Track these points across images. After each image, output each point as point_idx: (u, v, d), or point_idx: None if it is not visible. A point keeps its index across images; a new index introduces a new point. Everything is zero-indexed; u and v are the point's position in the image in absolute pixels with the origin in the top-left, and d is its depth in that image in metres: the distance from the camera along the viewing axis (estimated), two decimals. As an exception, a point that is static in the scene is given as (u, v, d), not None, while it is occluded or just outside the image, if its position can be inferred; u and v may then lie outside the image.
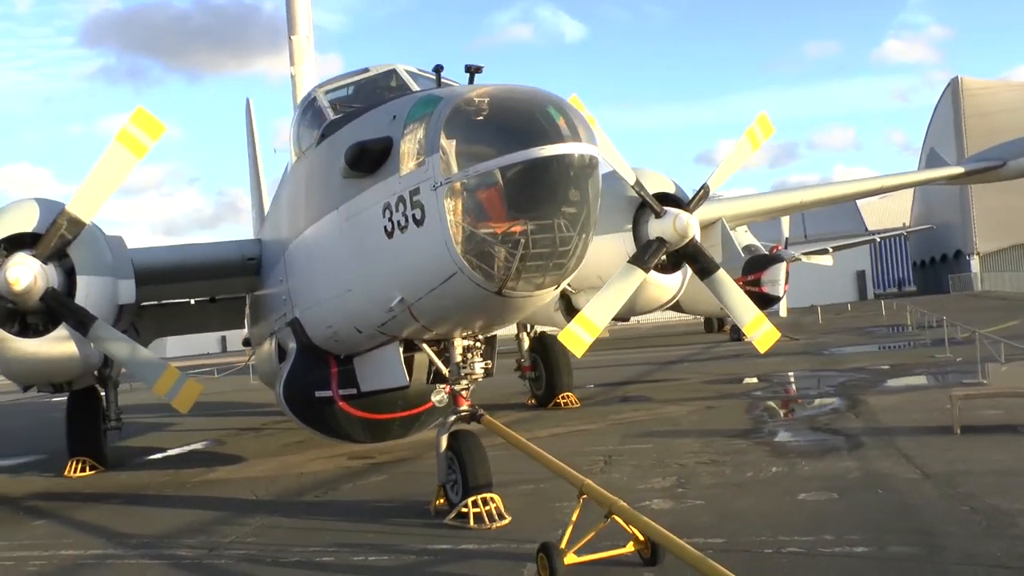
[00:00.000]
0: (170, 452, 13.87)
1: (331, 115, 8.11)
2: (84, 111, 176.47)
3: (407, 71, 8.41)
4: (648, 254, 10.80)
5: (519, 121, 5.80)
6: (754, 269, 13.38)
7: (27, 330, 8.83)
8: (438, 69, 6.93)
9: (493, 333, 7.94)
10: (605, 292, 10.68)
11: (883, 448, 8.68)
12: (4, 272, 8.11)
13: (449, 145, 5.83)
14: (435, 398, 7.39)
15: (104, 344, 8.75)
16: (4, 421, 16.70)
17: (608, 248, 11.31)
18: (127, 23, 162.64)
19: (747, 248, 28.40)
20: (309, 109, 8.61)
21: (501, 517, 6.95)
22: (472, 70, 6.56)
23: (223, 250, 11.68)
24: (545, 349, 15.36)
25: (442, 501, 7.45)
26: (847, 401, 12.48)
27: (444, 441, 7.35)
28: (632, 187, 10.79)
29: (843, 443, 9.18)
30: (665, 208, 10.92)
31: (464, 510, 7.00)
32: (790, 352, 22.46)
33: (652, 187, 11.21)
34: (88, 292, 8.90)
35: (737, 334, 29.44)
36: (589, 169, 5.94)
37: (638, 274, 10.69)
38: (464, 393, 7.46)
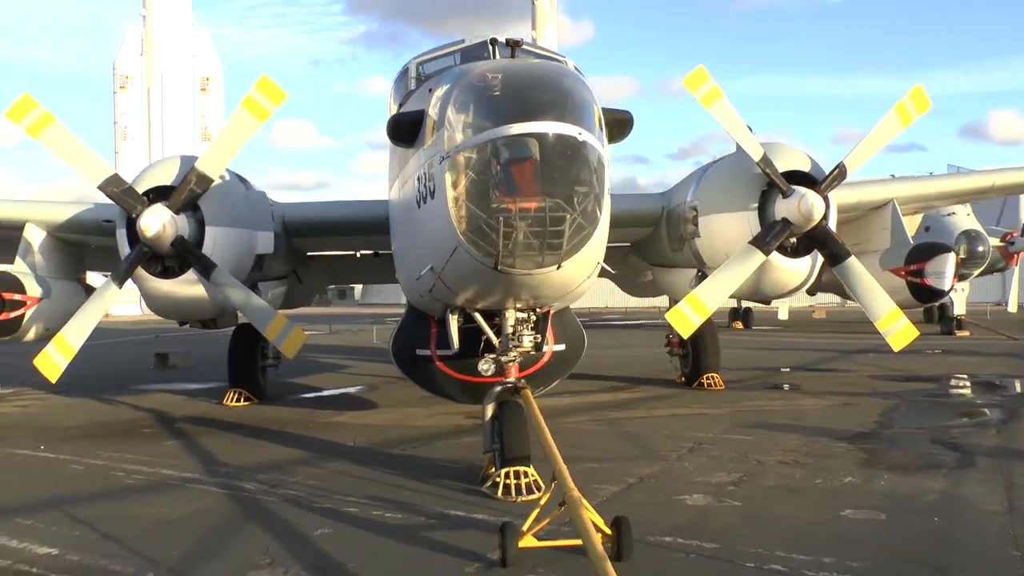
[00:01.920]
0: (324, 393, 15.02)
1: (413, 86, 8.38)
2: (347, 73, 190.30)
3: (504, 41, 8.51)
4: (770, 236, 10.13)
5: (509, 97, 5.76)
6: (920, 258, 12.02)
7: (167, 272, 9.92)
8: (513, 44, 6.91)
9: (545, 308, 7.86)
10: (721, 273, 10.20)
11: (991, 473, 7.68)
12: (139, 220, 9.16)
13: (456, 119, 5.90)
14: (482, 367, 7.50)
15: (222, 289, 9.64)
16: (214, 348, 18.91)
17: (733, 227, 10.76)
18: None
19: (967, 233, 25.54)
20: (401, 80, 8.97)
21: (530, 491, 6.97)
22: (513, 44, 6.57)
23: (367, 208, 12.37)
24: (694, 327, 14.94)
25: (492, 469, 7.60)
26: (1005, 415, 11.08)
27: (490, 410, 7.44)
28: (758, 164, 10.13)
29: (952, 461, 8.22)
30: (793, 187, 10.16)
31: (498, 480, 7.11)
32: (1002, 352, 20.17)
33: (784, 164, 10.44)
34: (215, 241, 9.80)
35: (948, 326, 26.74)
36: (574, 150, 5.72)
37: (757, 256, 10.09)
38: (511, 365, 7.51)
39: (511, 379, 7.52)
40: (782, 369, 17.52)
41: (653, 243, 13.64)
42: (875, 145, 10.38)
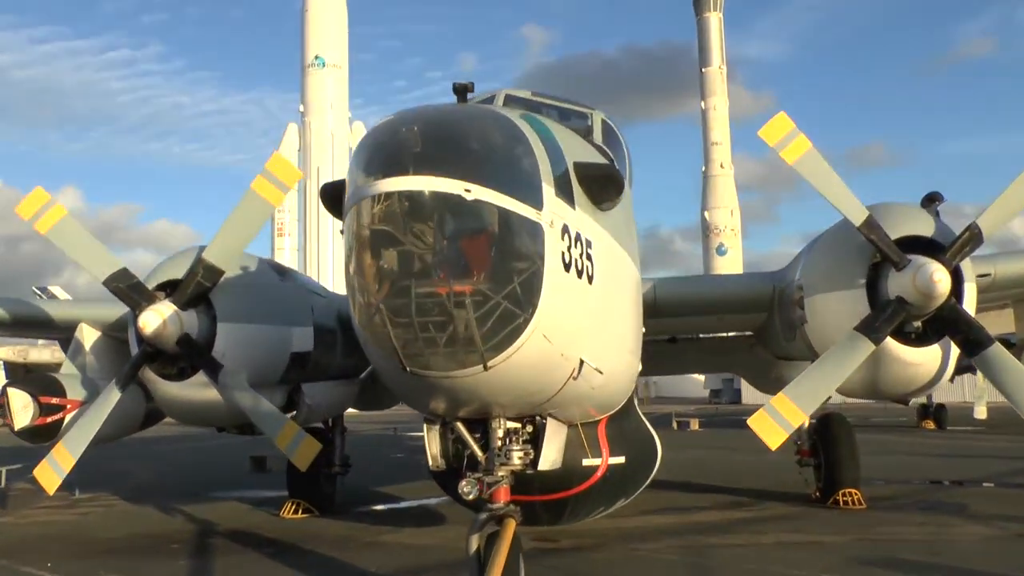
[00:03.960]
0: (400, 504, 14.25)
1: None
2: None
3: (508, 95, 7.85)
4: (881, 319, 8.49)
5: (382, 149, 4.91)
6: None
7: (182, 375, 9.60)
8: (460, 90, 6.04)
9: (540, 418, 6.75)
10: (819, 368, 8.58)
11: None
12: (138, 317, 8.91)
13: (348, 182, 5.13)
14: (463, 489, 6.48)
15: (228, 392, 9.17)
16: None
17: (839, 309, 9.17)
18: (560, 72, 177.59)
19: None
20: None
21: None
22: (459, 89, 5.75)
23: None
24: (827, 432, 13.13)
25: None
26: None
27: (474, 542, 6.40)
28: (859, 229, 8.59)
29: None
30: (909, 257, 8.53)
31: (479, 631, 6.03)
32: None
33: (897, 228, 8.84)
34: (228, 339, 9.38)
35: None
36: (462, 212, 4.73)
37: (865, 345, 8.44)
38: (500, 487, 6.46)
39: (499, 504, 6.47)
40: (952, 482, 15.03)
41: (769, 331, 12.21)
42: (1018, 202, 8.62)
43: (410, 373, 5.16)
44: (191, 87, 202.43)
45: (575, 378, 5.92)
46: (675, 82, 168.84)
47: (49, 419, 10.48)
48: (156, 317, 8.85)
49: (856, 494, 12.48)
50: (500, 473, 6.45)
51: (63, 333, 12.18)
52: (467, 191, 4.74)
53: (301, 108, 57.61)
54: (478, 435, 6.72)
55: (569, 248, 5.35)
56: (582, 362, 5.85)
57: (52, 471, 9.16)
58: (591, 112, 8.45)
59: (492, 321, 4.89)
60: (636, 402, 9.33)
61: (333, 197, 5.67)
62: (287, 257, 53.24)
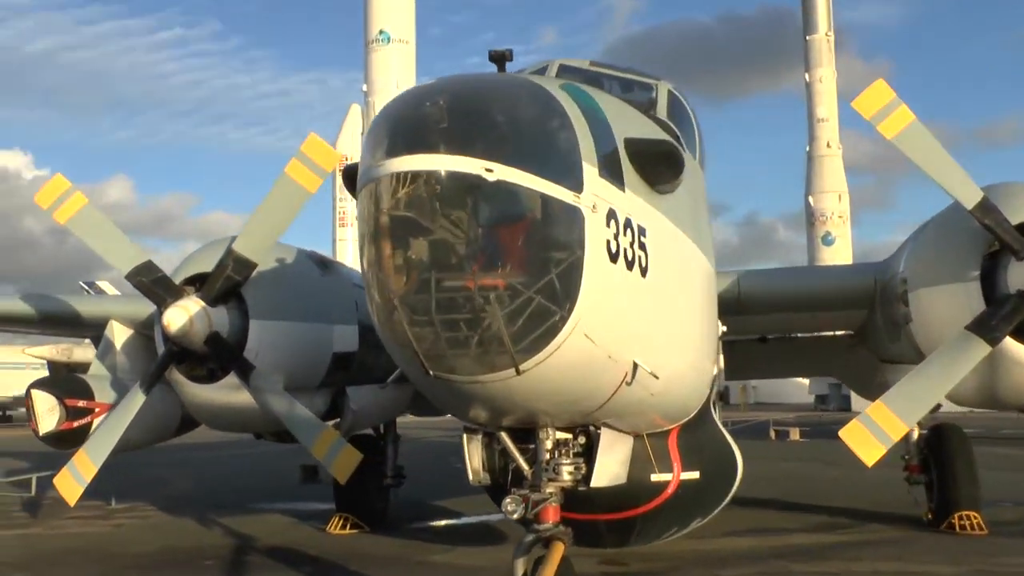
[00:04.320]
0: (460, 520, 14.17)
1: None
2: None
3: (563, 65, 7.80)
4: (998, 317, 8.01)
5: (397, 124, 4.81)
6: None
7: (213, 376, 9.66)
8: (496, 57, 5.88)
9: (595, 428, 6.56)
10: (922, 372, 8.17)
11: None
12: (163, 314, 8.97)
13: (362, 158, 5.04)
14: (508, 507, 6.31)
15: (261, 395, 9.18)
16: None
17: (947, 306, 8.75)
18: (647, 44, 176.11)
19: None
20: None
21: None
22: (495, 57, 5.61)
23: None
24: (940, 445, 12.58)
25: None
26: None
27: (519, 566, 6.23)
28: (972, 213, 8.12)
29: None
30: (1032, 244, 8.04)
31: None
32: None
33: (1021, 211, 8.38)
34: (261, 338, 9.39)
35: None
36: (481, 195, 4.57)
37: (979, 347, 7.98)
38: (548, 505, 6.27)
39: (547, 525, 6.30)
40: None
41: (871, 330, 11.85)
42: None
43: (434, 377, 5.05)
44: (248, 67, 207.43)
45: (628, 383, 5.71)
46: (776, 52, 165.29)
47: (76, 423, 10.69)
48: (181, 314, 8.90)
49: (975, 517, 11.88)
50: (548, 490, 6.26)
51: (94, 331, 12.43)
52: (488, 171, 4.57)
53: (364, 88, 58.00)
54: (525, 446, 6.59)
55: (616, 236, 5.13)
56: (635, 365, 5.63)
57: (73, 480, 9.31)
58: (656, 83, 8.20)
59: (523, 319, 4.73)
60: (715, 409, 9.07)
61: (354, 179, 5.57)
62: (349, 249, 53.65)
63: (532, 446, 6.40)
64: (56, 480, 9.48)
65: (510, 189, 4.63)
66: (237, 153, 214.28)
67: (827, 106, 68.72)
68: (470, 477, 6.89)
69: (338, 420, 11.38)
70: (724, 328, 9.12)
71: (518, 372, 4.88)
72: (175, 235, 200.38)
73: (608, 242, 5.05)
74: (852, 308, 11.62)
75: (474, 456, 6.81)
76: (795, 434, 33.70)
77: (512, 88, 5.04)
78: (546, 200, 4.72)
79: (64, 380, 11.24)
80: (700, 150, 8.61)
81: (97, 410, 11.07)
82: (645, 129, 6.36)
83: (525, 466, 6.51)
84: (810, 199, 67.59)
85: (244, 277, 9.25)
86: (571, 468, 6.36)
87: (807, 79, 70.91)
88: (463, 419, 6.40)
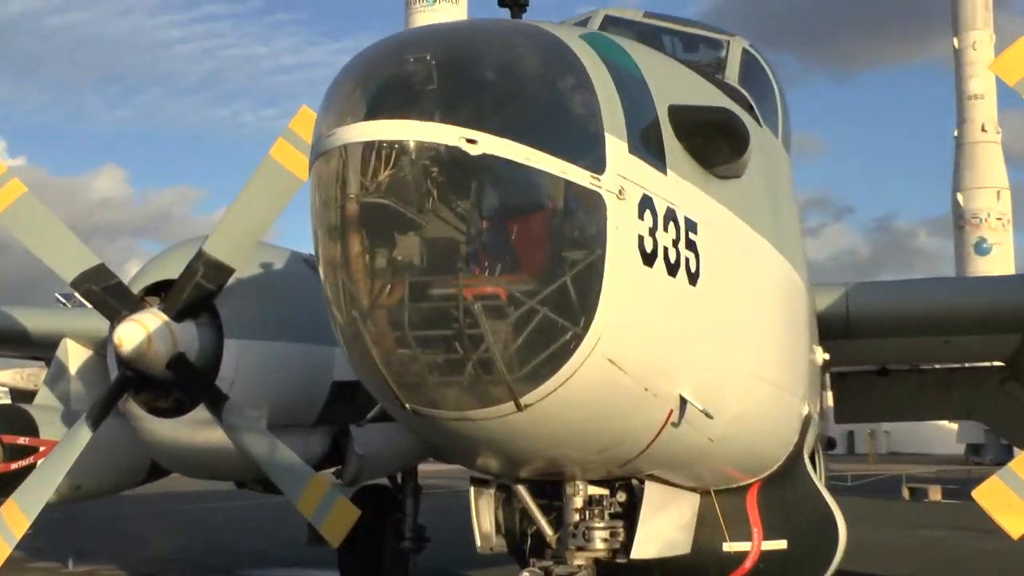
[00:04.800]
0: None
1: None
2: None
3: (608, 16, 7.75)
4: None
5: (360, 80, 4.73)
6: None
7: (179, 409, 9.58)
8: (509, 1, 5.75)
9: (638, 481, 6.34)
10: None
11: None
12: (114, 330, 8.91)
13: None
14: (526, 582, 6.15)
15: (236, 434, 9.06)
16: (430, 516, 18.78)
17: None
18: (758, 5, 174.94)
19: None
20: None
21: None
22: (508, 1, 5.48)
23: None
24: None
25: None
26: None
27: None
28: None
29: None
30: None
31: None
32: None
33: None
34: (238, 361, 9.26)
35: None
36: (452, 170, 4.45)
37: None
38: (578, 580, 6.10)
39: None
40: None
41: (1025, 360, 11.43)
42: None
43: (411, 412, 4.90)
44: (268, 34, 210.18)
45: (675, 424, 5.47)
46: (917, 14, 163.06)
47: (15, 465, 10.73)
48: (136, 330, 8.81)
49: None
50: (576, 561, 6.13)
51: (47, 351, 12.50)
52: (470, 141, 4.38)
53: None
54: (551, 502, 6.45)
55: (653, 230, 4.89)
56: (683, 400, 5.38)
57: None
58: (728, 39, 7.96)
59: (523, 338, 4.54)
60: (816, 460, 8.78)
61: None
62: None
63: (550, 502, 6.29)
64: (-23, 533, 9.46)
65: (498, 166, 4.44)
66: (251, 140, 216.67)
67: (982, 80, 66.97)
68: (478, 543, 6.76)
69: (340, 467, 11.29)
70: (826, 356, 8.87)
71: (519, 407, 4.67)
72: (175, 237, 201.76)
73: (641, 238, 4.81)
74: (1003, 332, 11.20)
75: (483, 515, 6.69)
76: (936, 493, 32.90)
77: (510, 36, 4.85)
78: (550, 182, 4.52)
79: (2, 412, 11.30)
80: (783, 125, 8.34)
81: (43, 449, 11.11)
82: (700, 95, 6.11)
83: (548, 529, 6.37)
84: (959, 197, 65.97)
85: (218, 285, 9.15)
86: (606, 533, 6.18)
87: (956, 45, 69.25)
88: (465, 466, 6.25)
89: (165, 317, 9.04)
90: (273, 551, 18.35)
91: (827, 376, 13.52)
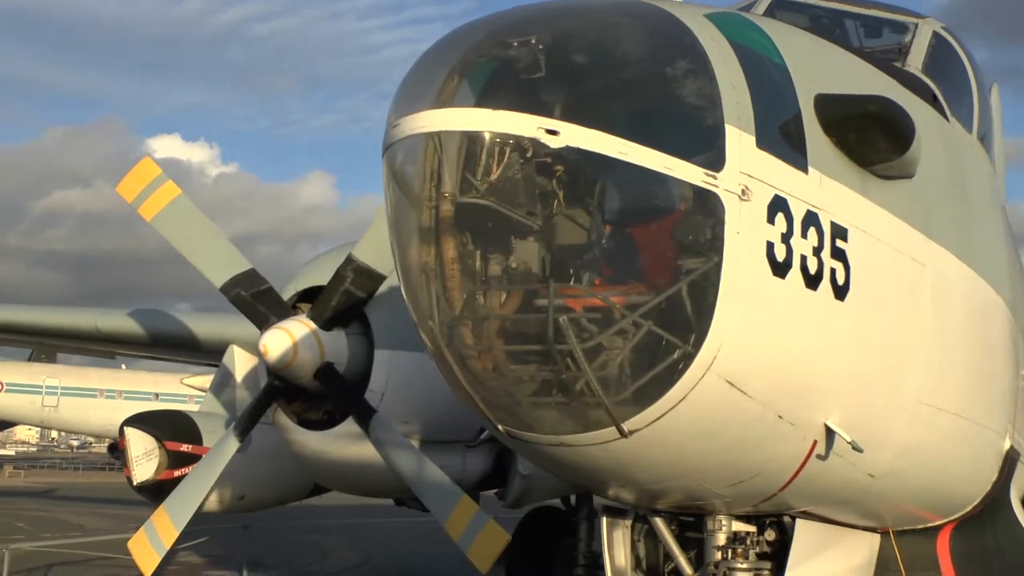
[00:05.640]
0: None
1: None
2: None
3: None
4: None
5: (421, 71, 4.59)
6: None
7: (331, 421, 9.56)
8: None
9: (789, 518, 5.84)
10: None
11: None
12: (261, 339, 8.93)
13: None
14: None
15: (384, 449, 8.95)
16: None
17: None
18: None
19: None
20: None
21: None
22: None
23: None
24: None
25: None
26: None
27: None
28: None
29: None
30: None
31: None
32: None
33: None
34: (388, 372, 9.19)
35: None
36: (531, 165, 4.16)
37: None
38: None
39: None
40: None
41: None
42: None
43: (506, 435, 4.72)
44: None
45: (822, 456, 5.00)
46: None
47: (178, 472, 10.93)
48: (282, 338, 8.81)
49: None
50: None
51: (216, 357, 12.76)
52: (551, 132, 4.06)
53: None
54: (694, 536, 6.11)
55: (787, 236, 4.45)
56: (829, 430, 4.89)
57: (149, 545, 9.43)
58: (916, 22, 7.32)
59: (624, 356, 4.24)
60: (1021, 503, 8.04)
61: None
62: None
63: (692, 536, 5.99)
64: (131, 544, 9.65)
65: (583, 159, 4.12)
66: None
67: None
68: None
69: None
70: None
71: (622, 433, 4.33)
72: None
73: (771, 245, 4.38)
74: None
75: (617, 548, 6.36)
76: None
77: (618, 15, 4.50)
78: (653, 180, 4.16)
79: (168, 418, 11.55)
80: (981, 120, 7.63)
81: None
82: (861, 83, 5.56)
83: (688, 568, 6.02)
84: None
85: (369, 293, 9.11)
86: (750, 575, 5.82)
87: None
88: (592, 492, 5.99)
89: (313, 325, 9.04)
90: (451, 571, 18.32)
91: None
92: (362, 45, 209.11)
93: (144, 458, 10.90)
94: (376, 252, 9.01)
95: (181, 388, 47.92)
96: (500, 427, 4.66)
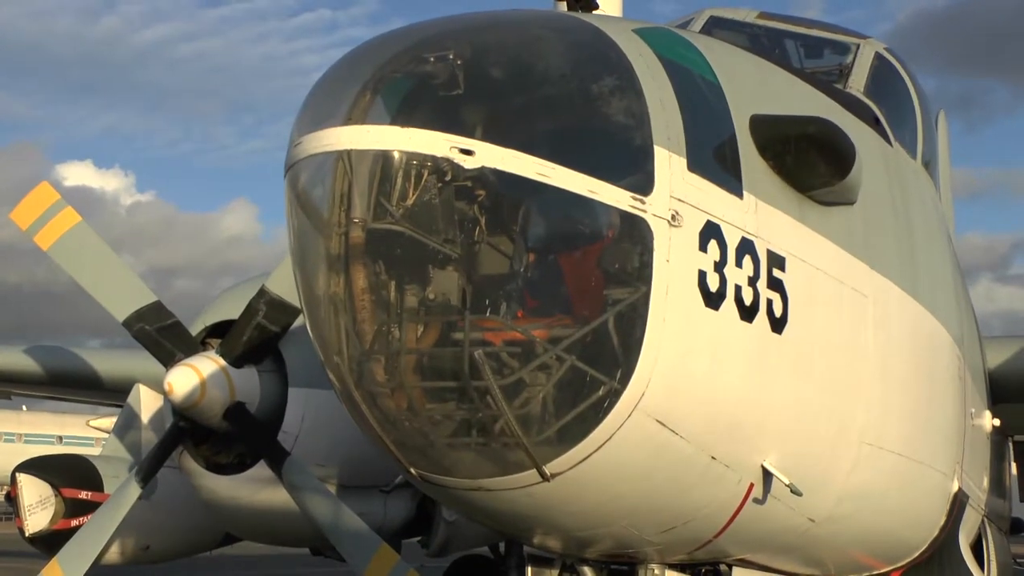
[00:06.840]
0: None
1: None
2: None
3: (714, 17, 7.49)
4: None
5: (329, 84, 4.55)
6: None
7: (241, 465, 9.40)
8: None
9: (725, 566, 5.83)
10: None
11: None
12: (165, 376, 8.77)
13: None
14: None
15: (297, 494, 8.84)
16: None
17: None
18: (959, 20, 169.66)
19: None
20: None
21: None
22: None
23: None
24: None
25: None
26: None
27: None
28: None
29: None
30: None
31: None
32: None
33: None
34: (306, 412, 9.12)
35: None
36: (447, 188, 4.09)
37: None
38: None
39: None
40: None
41: None
42: None
43: (419, 479, 4.60)
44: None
45: (759, 500, 4.95)
46: None
47: (76, 522, 10.66)
48: (188, 376, 8.67)
49: None
50: None
51: (121, 397, 12.54)
52: (465, 152, 3.98)
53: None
54: None
55: (720, 265, 4.40)
56: (767, 473, 4.85)
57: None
58: (858, 43, 7.45)
59: (544, 394, 4.16)
60: (971, 548, 8.10)
61: None
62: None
63: None
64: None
65: (502, 182, 4.05)
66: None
67: None
68: None
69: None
70: (996, 422, 8.36)
71: (544, 476, 4.23)
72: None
73: (703, 274, 4.32)
74: None
75: None
76: None
77: (540, 29, 4.47)
78: (575, 204, 4.09)
79: (64, 462, 11.31)
80: (926, 145, 7.74)
81: (107, 505, 11.08)
82: (798, 104, 5.56)
83: None
84: None
85: (283, 327, 9.01)
86: None
87: None
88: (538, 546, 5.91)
89: (222, 362, 8.94)
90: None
91: (1008, 445, 12.68)
92: (291, 67, 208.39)
93: (38, 507, 10.62)
94: (291, 284, 8.88)
95: (87, 430, 47.28)
96: (413, 471, 4.54)
